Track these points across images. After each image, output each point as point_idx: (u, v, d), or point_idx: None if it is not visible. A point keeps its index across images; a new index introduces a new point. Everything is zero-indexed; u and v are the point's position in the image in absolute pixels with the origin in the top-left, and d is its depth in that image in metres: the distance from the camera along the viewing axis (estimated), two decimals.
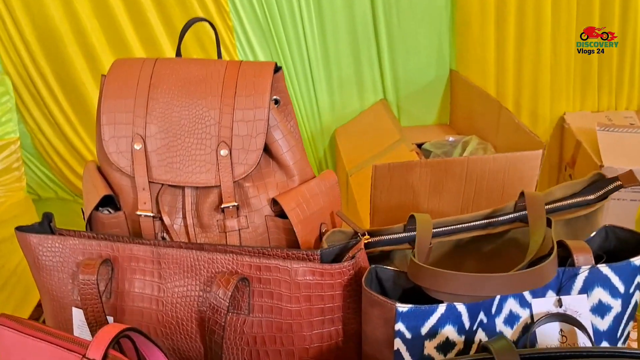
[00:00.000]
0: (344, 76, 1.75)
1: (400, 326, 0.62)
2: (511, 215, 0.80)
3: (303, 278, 0.69)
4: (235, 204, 0.82)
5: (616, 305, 0.66)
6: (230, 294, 0.68)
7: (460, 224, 0.80)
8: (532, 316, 0.66)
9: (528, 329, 0.66)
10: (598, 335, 0.66)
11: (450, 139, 1.64)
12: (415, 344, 0.62)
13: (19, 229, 0.79)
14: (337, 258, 0.72)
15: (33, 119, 1.72)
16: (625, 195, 1.36)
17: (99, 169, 0.89)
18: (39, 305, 1.44)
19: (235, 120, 0.82)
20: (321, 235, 0.84)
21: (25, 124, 1.75)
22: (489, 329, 0.65)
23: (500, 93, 1.76)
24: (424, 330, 0.62)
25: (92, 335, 0.75)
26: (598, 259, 0.67)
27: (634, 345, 0.92)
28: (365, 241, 0.75)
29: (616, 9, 1.63)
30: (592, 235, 0.71)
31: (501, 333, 0.66)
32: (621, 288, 0.66)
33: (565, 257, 0.67)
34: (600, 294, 0.66)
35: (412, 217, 0.77)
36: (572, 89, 1.77)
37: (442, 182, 1.23)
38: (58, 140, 1.75)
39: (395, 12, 1.66)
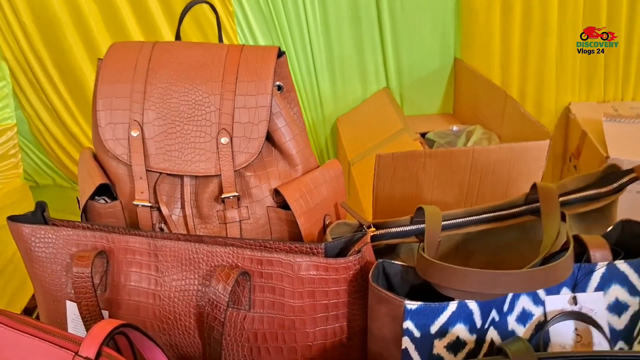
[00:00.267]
0: (346, 64, 1.72)
1: (408, 324, 0.59)
2: (522, 208, 0.77)
3: (306, 273, 0.66)
4: (236, 194, 0.79)
5: (634, 303, 0.63)
6: (230, 289, 0.65)
7: (470, 216, 0.77)
8: (545, 314, 0.63)
9: (541, 327, 0.63)
10: (614, 334, 0.64)
11: (454, 128, 1.61)
12: (425, 343, 0.60)
13: (11, 218, 0.76)
14: (342, 252, 0.70)
15: (30, 105, 1.69)
16: (632, 187, 1.34)
17: (95, 157, 0.85)
18: None
19: (236, 107, 0.79)
20: (325, 227, 0.81)
21: (22, 110, 1.72)
22: (501, 327, 0.62)
23: (505, 82, 1.73)
24: (434, 328, 0.59)
25: (87, 329, 0.72)
26: (615, 255, 0.64)
27: None
28: (371, 234, 0.73)
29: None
30: (608, 230, 0.68)
31: (514, 332, 0.63)
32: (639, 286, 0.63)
33: (581, 253, 0.64)
34: (617, 291, 0.63)
35: (420, 209, 0.74)
36: (578, 78, 1.74)
37: (447, 172, 1.21)
38: (56, 127, 1.72)
39: None
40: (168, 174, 0.81)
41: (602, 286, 0.63)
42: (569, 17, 1.64)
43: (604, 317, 0.63)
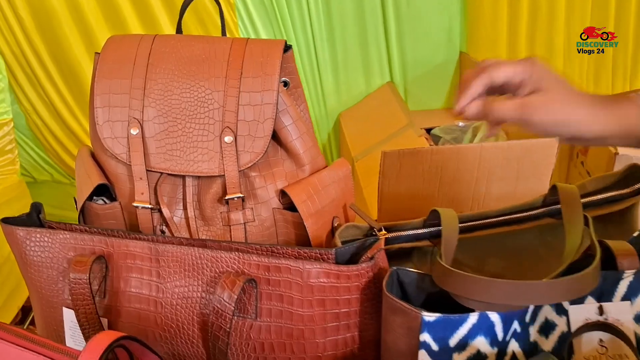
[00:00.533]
0: (349, 57, 1.68)
1: (426, 337, 0.55)
2: (541, 210, 0.73)
3: (316, 280, 0.63)
4: (241, 195, 0.76)
5: None
6: (236, 297, 0.62)
7: (486, 219, 0.73)
8: (569, 324, 0.60)
9: (565, 338, 0.60)
10: None
11: (460, 124, 1.58)
12: (442, 357, 0.56)
13: (4, 220, 0.72)
14: (353, 257, 0.66)
15: (27, 99, 1.66)
16: None
17: (93, 155, 0.82)
18: None
19: (241, 104, 0.75)
20: (333, 229, 0.77)
21: (19, 104, 1.68)
22: (523, 339, 0.59)
23: None
24: (453, 341, 0.56)
25: (85, 338, 0.69)
26: None
27: None
28: (382, 236, 0.69)
29: None
30: (635, 235, 0.64)
31: (536, 344, 0.59)
32: None
33: (606, 260, 0.61)
34: None
35: (434, 211, 0.70)
36: (586, 72, 1.70)
37: (454, 169, 1.18)
38: (53, 121, 1.68)
39: None
40: (169, 174, 0.78)
41: (630, 295, 0.59)
42: (576, 9, 1.60)
43: (630, 328, 0.60)
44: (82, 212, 0.79)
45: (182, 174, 0.77)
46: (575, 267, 0.57)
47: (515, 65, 0.61)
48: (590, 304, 0.60)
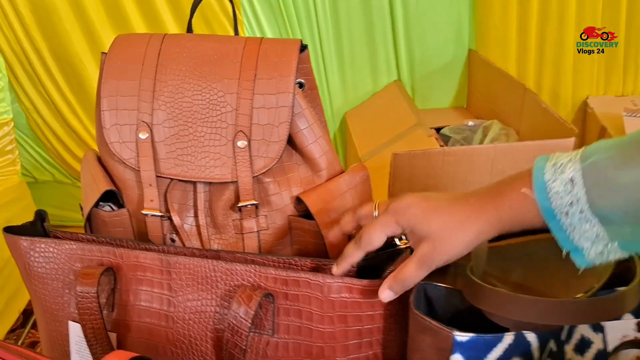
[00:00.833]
0: (356, 55, 1.65)
1: (457, 358, 0.52)
2: None
3: (338, 295, 0.59)
4: (254, 202, 0.72)
5: None
6: (253, 313, 0.58)
7: None
8: (605, 342, 0.57)
9: (601, 356, 0.57)
10: None
11: (470, 123, 1.54)
12: None
13: (7, 230, 0.69)
14: (376, 270, 0.63)
15: (28, 98, 1.62)
16: None
17: (100, 160, 0.78)
18: None
19: (255, 107, 0.72)
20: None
21: (20, 103, 1.64)
22: (558, 358, 0.56)
23: (520, 74, 1.66)
24: None
25: (92, 354, 0.65)
26: None
27: None
28: (405, 246, 0.66)
29: None
30: None
31: None
32: None
33: None
34: None
35: None
36: (597, 71, 1.67)
37: (466, 171, 1.15)
38: (55, 121, 1.65)
39: None
40: (180, 180, 0.74)
41: None
42: (587, 6, 1.57)
43: None
44: (89, 219, 0.76)
45: (193, 180, 0.73)
46: (611, 282, 0.54)
47: (384, 228, 0.58)
48: (628, 320, 0.57)
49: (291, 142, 0.74)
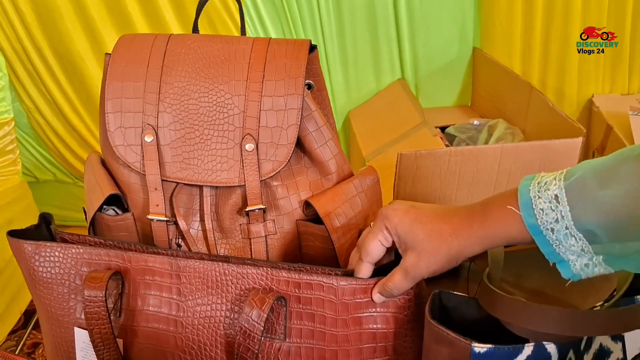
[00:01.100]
0: (359, 54, 1.63)
1: None
2: None
3: (352, 298, 0.58)
4: (262, 206, 0.71)
5: None
6: (265, 316, 0.57)
7: None
8: (624, 351, 0.56)
9: None
10: None
11: (475, 122, 1.53)
12: None
13: (11, 234, 0.67)
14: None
15: (29, 97, 1.60)
16: None
17: (104, 163, 0.77)
18: None
19: (263, 110, 0.70)
20: None
21: (21, 102, 1.63)
22: None
23: (525, 73, 1.65)
24: None
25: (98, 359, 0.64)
26: None
27: None
28: None
29: None
30: None
31: None
32: None
33: None
34: None
35: None
36: (602, 70, 1.66)
37: (472, 171, 1.13)
38: (56, 120, 1.63)
39: None
40: (186, 184, 0.73)
41: None
42: (593, 3, 1.56)
43: None
44: (92, 223, 0.74)
45: (199, 184, 0.72)
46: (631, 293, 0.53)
47: (377, 234, 0.58)
48: None
49: (300, 144, 0.73)
